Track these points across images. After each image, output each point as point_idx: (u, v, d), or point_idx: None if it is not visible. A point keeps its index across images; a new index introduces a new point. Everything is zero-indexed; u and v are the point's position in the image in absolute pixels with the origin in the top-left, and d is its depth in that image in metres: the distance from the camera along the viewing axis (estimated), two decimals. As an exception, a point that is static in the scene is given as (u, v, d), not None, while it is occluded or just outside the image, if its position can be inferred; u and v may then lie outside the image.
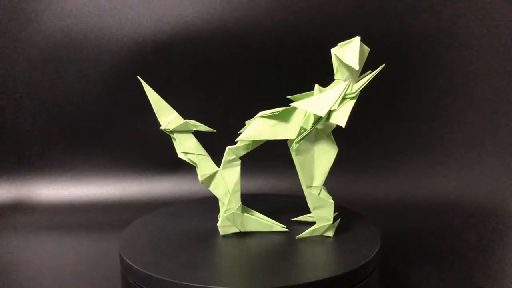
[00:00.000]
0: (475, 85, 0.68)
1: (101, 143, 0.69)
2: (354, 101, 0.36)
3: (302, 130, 0.37)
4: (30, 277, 0.47)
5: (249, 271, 0.35)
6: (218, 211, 0.41)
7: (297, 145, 0.38)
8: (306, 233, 0.39)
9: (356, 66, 0.35)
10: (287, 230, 0.41)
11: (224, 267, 0.35)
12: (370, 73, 0.37)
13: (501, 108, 0.67)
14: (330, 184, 0.67)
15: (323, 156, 0.38)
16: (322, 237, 0.40)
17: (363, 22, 0.66)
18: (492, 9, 0.66)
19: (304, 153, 0.38)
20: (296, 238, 0.39)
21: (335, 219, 0.40)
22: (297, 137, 0.38)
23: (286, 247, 0.38)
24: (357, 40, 0.36)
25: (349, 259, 0.35)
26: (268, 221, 0.41)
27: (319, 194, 0.39)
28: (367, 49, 0.37)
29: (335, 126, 0.38)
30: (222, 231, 0.41)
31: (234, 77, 0.67)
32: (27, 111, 0.69)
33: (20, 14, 0.67)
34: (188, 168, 0.69)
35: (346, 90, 0.36)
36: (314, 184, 0.39)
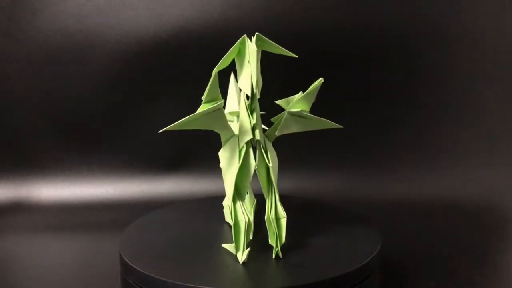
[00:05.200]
0: (476, 86, 0.68)
1: (101, 143, 0.69)
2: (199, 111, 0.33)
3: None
4: (30, 277, 0.47)
5: (249, 272, 0.35)
6: (217, 211, 0.41)
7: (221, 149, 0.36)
8: (228, 246, 0.37)
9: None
10: (232, 244, 0.37)
11: (224, 267, 0.35)
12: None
13: (502, 108, 0.67)
14: (331, 183, 0.68)
15: (230, 169, 0.35)
16: (322, 238, 0.40)
17: (367, 21, 0.66)
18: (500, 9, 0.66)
19: (224, 160, 0.36)
20: (221, 246, 0.38)
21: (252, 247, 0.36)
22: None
23: (286, 248, 0.38)
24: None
25: (349, 259, 0.35)
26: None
27: (230, 209, 0.35)
28: (253, 49, 0.33)
29: (248, 138, 0.35)
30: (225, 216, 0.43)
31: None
32: (27, 111, 0.69)
33: (20, 14, 0.67)
34: (188, 168, 0.69)
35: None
36: (227, 196, 0.36)
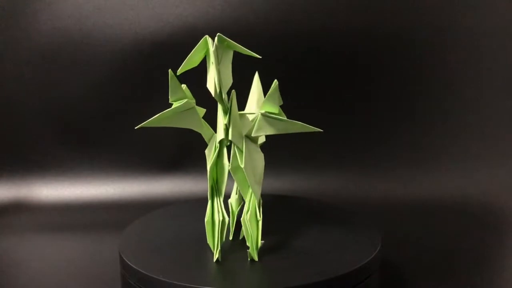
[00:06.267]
0: (476, 86, 0.68)
1: (101, 143, 0.69)
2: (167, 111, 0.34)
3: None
4: (30, 277, 0.47)
5: (248, 272, 0.35)
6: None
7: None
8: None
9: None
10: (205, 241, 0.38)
11: (223, 268, 0.35)
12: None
13: (502, 108, 0.67)
14: (330, 183, 0.68)
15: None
16: (321, 238, 0.40)
17: (369, 22, 0.66)
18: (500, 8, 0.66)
19: (207, 158, 0.37)
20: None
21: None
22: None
23: (285, 248, 0.38)
24: None
25: (349, 259, 0.35)
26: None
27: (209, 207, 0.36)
28: (211, 50, 0.33)
29: (220, 138, 0.36)
30: None
31: (233, 77, 0.66)
32: (27, 111, 0.69)
33: (20, 14, 0.67)
34: (188, 168, 0.69)
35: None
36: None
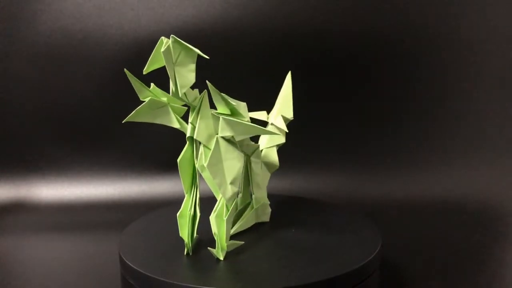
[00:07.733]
0: (476, 86, 0.68)
1: (101, 143, 0.69)
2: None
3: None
4: (30, 277, 0.47)
5: (249, 273, 0.35)
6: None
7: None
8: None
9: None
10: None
11: (223, 268, 0.35)
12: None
13: (502, 109, 0.67)
14: (331, 183, 0.68)
15: None
16: (322, 238, 0.40)
17: (369, 22, 0.66)
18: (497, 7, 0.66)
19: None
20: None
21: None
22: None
23: (285, 248, 0.38)
24: None
25: (349, 259, 0.35)
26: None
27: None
28: (162, 51, 0.34)
29: (187, 135, 0.36)
30: None
31: (233, 77, 0.67)
32: (27, 111, 0.69)
33: (20, 14, 0.67)
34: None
35: None
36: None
